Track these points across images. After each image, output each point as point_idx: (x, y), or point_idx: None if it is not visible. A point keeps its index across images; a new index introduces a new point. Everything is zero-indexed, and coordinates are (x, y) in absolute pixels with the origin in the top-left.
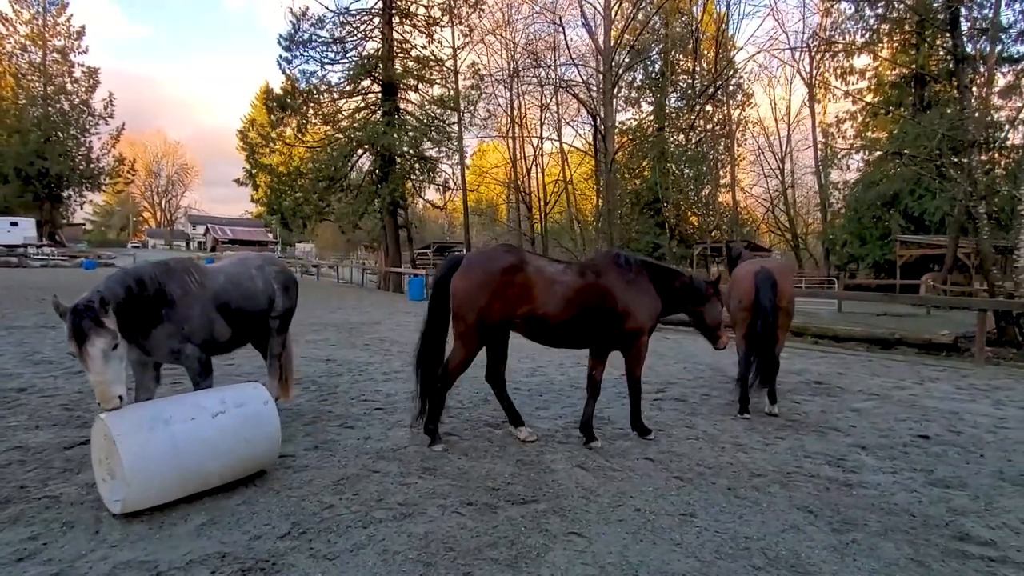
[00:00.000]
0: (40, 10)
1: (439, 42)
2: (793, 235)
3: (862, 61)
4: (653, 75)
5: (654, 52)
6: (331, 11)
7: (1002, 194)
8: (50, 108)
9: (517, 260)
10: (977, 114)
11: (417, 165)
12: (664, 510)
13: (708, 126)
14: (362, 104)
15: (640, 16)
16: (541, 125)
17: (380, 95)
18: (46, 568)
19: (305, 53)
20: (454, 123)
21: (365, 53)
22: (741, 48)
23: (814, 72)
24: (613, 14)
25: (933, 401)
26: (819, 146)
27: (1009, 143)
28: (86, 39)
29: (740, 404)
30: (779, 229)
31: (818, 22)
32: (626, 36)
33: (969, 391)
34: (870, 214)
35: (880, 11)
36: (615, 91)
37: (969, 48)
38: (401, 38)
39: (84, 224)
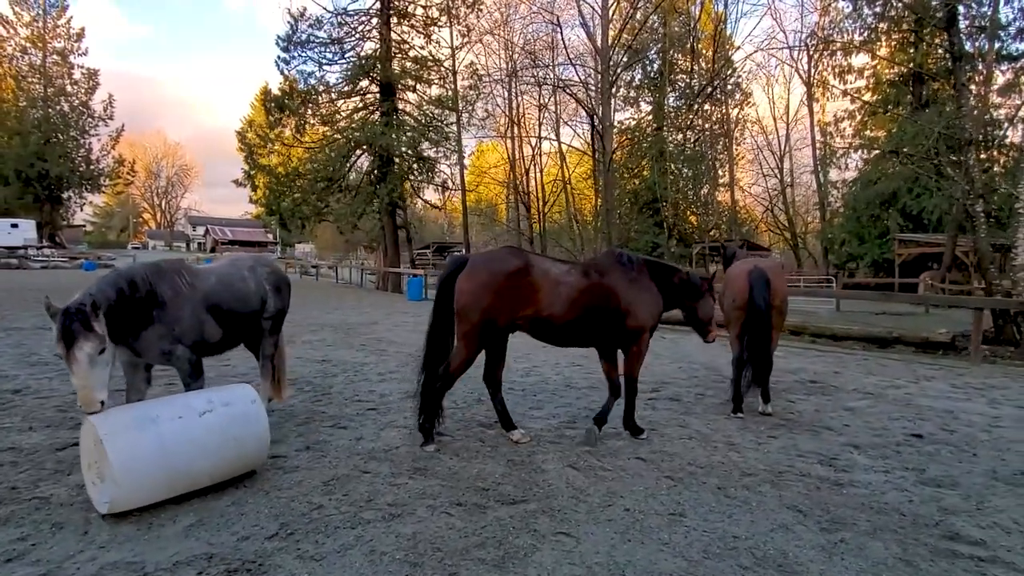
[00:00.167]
0: (40, 12)
1: (437, 42)
2: (792, 234)
3: (860, 60)
4: (652, 74)
5: (652, 52)
6: (329, 12)
7: (1001, 192)
8: (50, 110)
9: (523, 263)
10: (976, 112)
11: (415, 165)
12: (654, 510)
13: (707, 125)
14: (360, 104)
15: (638, 16)
16: (539, 125)
17: (378, 95)
18: (34, 569)
19: (303, 54)
20: (452, 123)
21: (363, 54)
22: (739, 47)
23: (812, 71)
24: (611, 14)
25: (928, 400)
26: (817, 145)
27: (1008, 141)
28: (86, 41)
29: (734, 403)
30: (778, 228)
31: (816, 21)
32: (624, 36)
33: (964, 390)
34: (868, 213)
35: (878, 9)
36: (613, 91)
37: (968, 46)
38: (399, 38)
39: (84, 226)
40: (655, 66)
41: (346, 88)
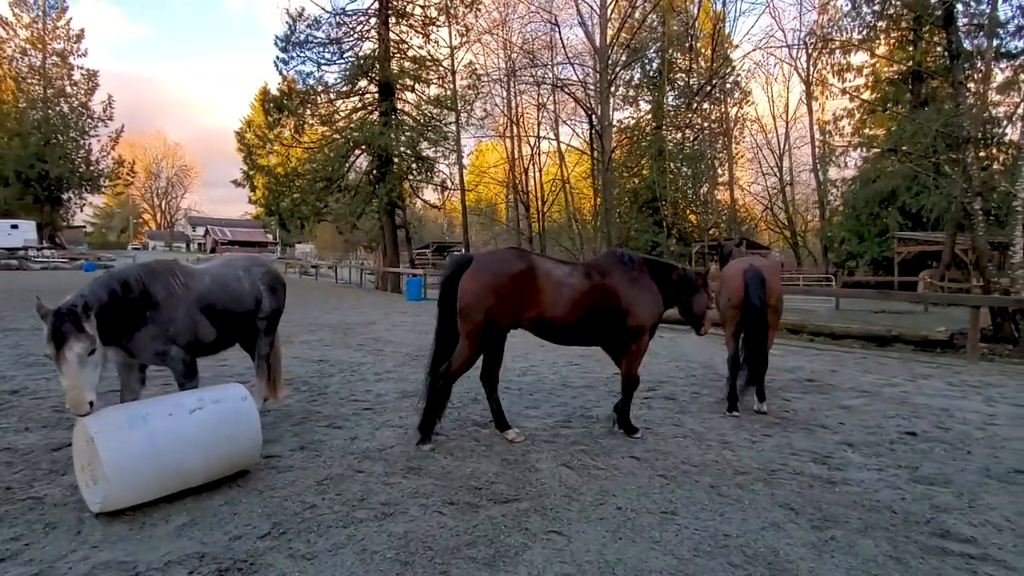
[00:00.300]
0: (40, 14)
1: (436, 42)
2: (792, 232)
3: (859, 58)
4: (651, 73)
5: (651, 51)
6: (327, 12)
7: (1000, 190)
8: (50, 111)
9: (527, 266)
10: (974, 110)
11: (414, 165)
12: (646, 508)
13: (706, 124)
14: (359, 104)
15: (637, 15)
16: (538, 124)
17: (377, 95)
18: (26, 569)
19: (302, 54)
20: (451, 123)
21: (362, 54)
22: (738, 46)
23: (811, 69)
24: (609, 13)
25: (924, 398)
26: (817, 143)
27: (1008, 139)
28: (85, 42)
29: (729, 402)
30: (778, 227)
31: (815, 19)
32: (623, 35)
33: (961, 388)
34: (868, 211)
35: (877, 7)
36: (612, 90)
37: (967, 44)
38: (397, 38)
39: (84, 226)
40: (654, 65)
41: (345, 88)
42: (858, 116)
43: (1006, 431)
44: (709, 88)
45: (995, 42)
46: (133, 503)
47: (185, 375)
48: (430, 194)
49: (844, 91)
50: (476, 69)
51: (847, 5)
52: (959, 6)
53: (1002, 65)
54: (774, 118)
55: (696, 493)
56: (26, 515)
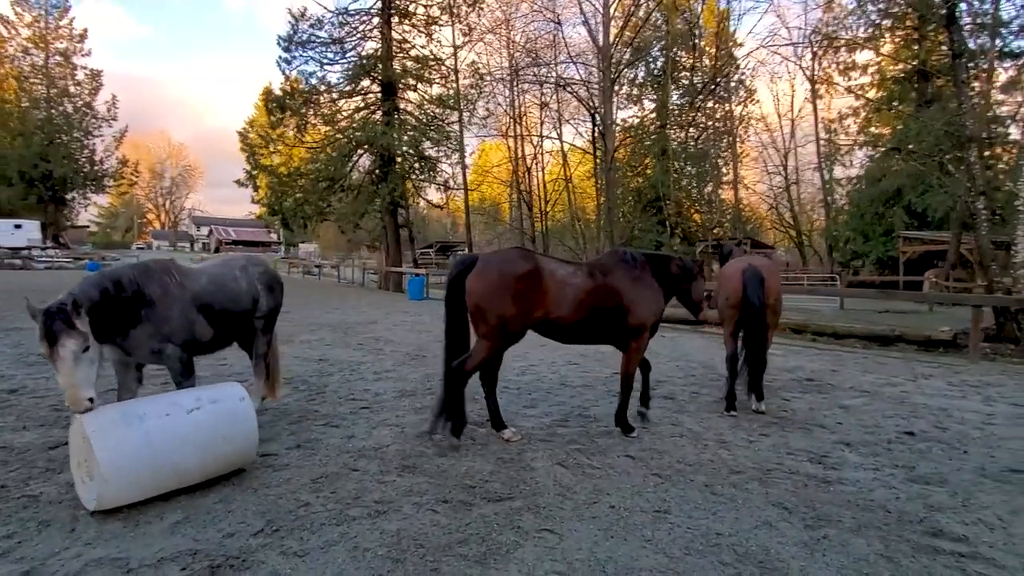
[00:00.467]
0: (42, 13)
1: (438, 41)
2: (797, 232)
3: (864, 56)
4: (654, 72)
5: (655, 49)
6: (330, 11)
7: (1004, 190)
8: (53, 111)
9: (532, 266)
10: (977, 110)
11: (417, 165)
12: (639, 507)
13: (710, 123)
14: (361, 104)
15: (640, 13)
16: (541, 124)
17: (379, 95)
18: (17, 566)
19: (304, 54)
20: (454, 122)
21: (364, 53)
22: (742, 44)
23: (816, 67)
24: (612, 11)
25: (923, 398)
26: (822, 142)
27: (1012, 138)
28: (88, 41)
29: (727, 401)
30: (783, 226)
31: (819, 17)
32: (626, 33)
33: (961, 387)
34: (873, 210)
35: (881, 6)
36: (615, 89)
37: (971, 43)
38: (400, 38)
39: (88, 226)
40: (658, 63)
41: (347, 88)
42: (863, 115)
43: (1003, 431)
44: (713, 86)
45: (998, 42)
46: (128, 501)
47: (181, 373)
48: (433, 194)
49: (849, 89)
50: (479, 68)
51: (852, 3)
52: (962, 5)
53: (1006, 64)
54: (779, 116)
55: (690, 492)
56: (20, 513)
